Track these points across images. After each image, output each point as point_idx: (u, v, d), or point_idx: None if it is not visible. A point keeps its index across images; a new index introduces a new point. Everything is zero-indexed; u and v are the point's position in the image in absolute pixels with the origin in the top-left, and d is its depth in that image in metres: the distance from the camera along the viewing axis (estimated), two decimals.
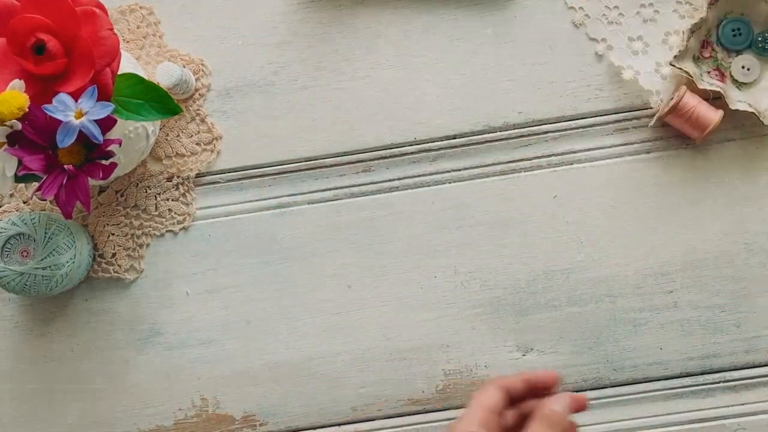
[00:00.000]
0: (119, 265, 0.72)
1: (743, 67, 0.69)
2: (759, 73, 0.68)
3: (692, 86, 0.67)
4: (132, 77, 0.61)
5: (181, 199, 0.72)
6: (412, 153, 0.72)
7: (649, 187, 0.70)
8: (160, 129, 0.72)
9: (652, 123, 0.69)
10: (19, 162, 0.56)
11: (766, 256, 0.69)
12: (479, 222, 0.71)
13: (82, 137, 0.55)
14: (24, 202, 0.73)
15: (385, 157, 0.72)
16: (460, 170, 0.71)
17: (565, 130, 0.71)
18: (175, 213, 0.72)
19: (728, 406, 0.69)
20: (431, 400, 0.70)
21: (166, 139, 0.72)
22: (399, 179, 0.72)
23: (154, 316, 0.72)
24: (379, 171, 0.72)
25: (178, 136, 0.72)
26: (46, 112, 0.54)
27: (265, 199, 0.72)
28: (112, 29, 0.57)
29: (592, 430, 0.69)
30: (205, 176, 0.73)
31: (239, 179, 0.72)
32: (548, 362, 0.70)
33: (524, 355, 0.70)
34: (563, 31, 0.72)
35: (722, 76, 0.69)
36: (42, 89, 0.56)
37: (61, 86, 0.56)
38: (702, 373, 0.69)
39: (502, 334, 0.70)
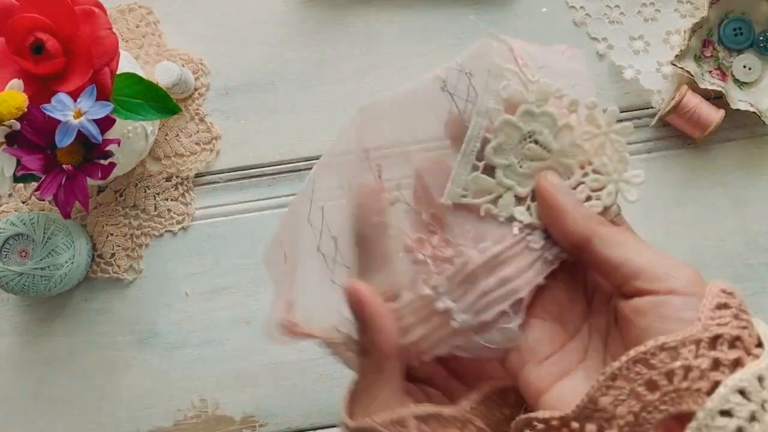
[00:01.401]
0: (118, 266, 0.72)
1: (745, 67, 0.68)
2: (760, 73, 0.68)
3: (693, 86, 0.67)
4: (131, 77, 0.61)
5: (180, 199, 0.72)
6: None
7: (649, 186, 0.70)
8: (159, 129, 0.72)
9: (653, 122, 0.69)
10: (18, 162, 0.56)
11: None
12: None
13: (81, 137, 0.54)
14: (23, 202, 0.73)
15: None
16: None
17: None
18: (174, 213, 0.72)
19: None
20: None
21: (165, 139, 0.72)
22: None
23: (153, 317, 0.71)
24: None
25: (177, 135, 0.72)
26: (45, 111, 0.54)
27: (264, 199, 0.72)
28: (110, 28, 0.57)
29: None
30: (204, 176, 0.72)
31: (239, 179, 0.72)
32: None
33: None
34: (564, 30, 0.71)
35: (723, 76, 0.69)
36: (41, 89, 0.56)
37: (59, 86, 0.56)
38: None
39: None
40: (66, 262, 0.66)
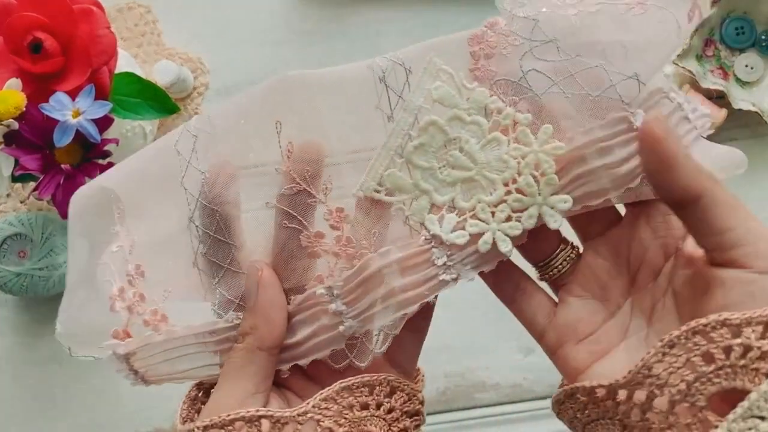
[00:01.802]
0: None
1: (746, 66, 0.68)
2: (762, 72, 0.68)
3: (695, 85, 0.67)
4: (129, 76, 0.60)
5: None
6: None
7: None
8: (158, 128, 0.71)
9: None
10: (16, 161, 0.55)
11: None
12: None
13: (80, 136, 0.54)
14: (21, 202, 0.72)
15: None
16: None
17: None
18: None
19: None
20: (432, 403, 0.69)
21: None
22: None
23: None
24: None
25: None
26: (43, 111, 0.54)
27: None
28: (109, 27, 0.57)
29: None
30: None
31: None
32: (550, 364, 0.69)
33: (526, 356, 0.69)
34: None
35: (725, 75, 0.68)
36: (39, 88, 0.56)
37: (58, 85, 0.56)
38: None
39: (504, 335, 0.69)
40: (64, 262, 0.66)
